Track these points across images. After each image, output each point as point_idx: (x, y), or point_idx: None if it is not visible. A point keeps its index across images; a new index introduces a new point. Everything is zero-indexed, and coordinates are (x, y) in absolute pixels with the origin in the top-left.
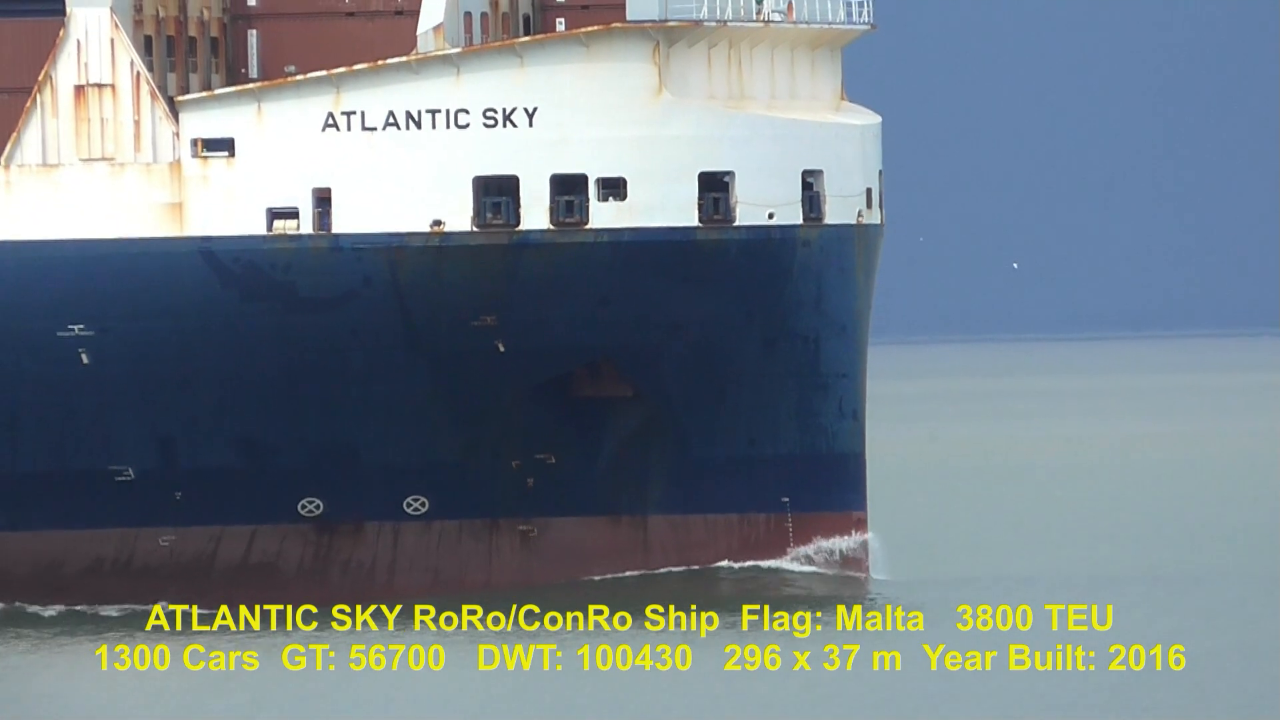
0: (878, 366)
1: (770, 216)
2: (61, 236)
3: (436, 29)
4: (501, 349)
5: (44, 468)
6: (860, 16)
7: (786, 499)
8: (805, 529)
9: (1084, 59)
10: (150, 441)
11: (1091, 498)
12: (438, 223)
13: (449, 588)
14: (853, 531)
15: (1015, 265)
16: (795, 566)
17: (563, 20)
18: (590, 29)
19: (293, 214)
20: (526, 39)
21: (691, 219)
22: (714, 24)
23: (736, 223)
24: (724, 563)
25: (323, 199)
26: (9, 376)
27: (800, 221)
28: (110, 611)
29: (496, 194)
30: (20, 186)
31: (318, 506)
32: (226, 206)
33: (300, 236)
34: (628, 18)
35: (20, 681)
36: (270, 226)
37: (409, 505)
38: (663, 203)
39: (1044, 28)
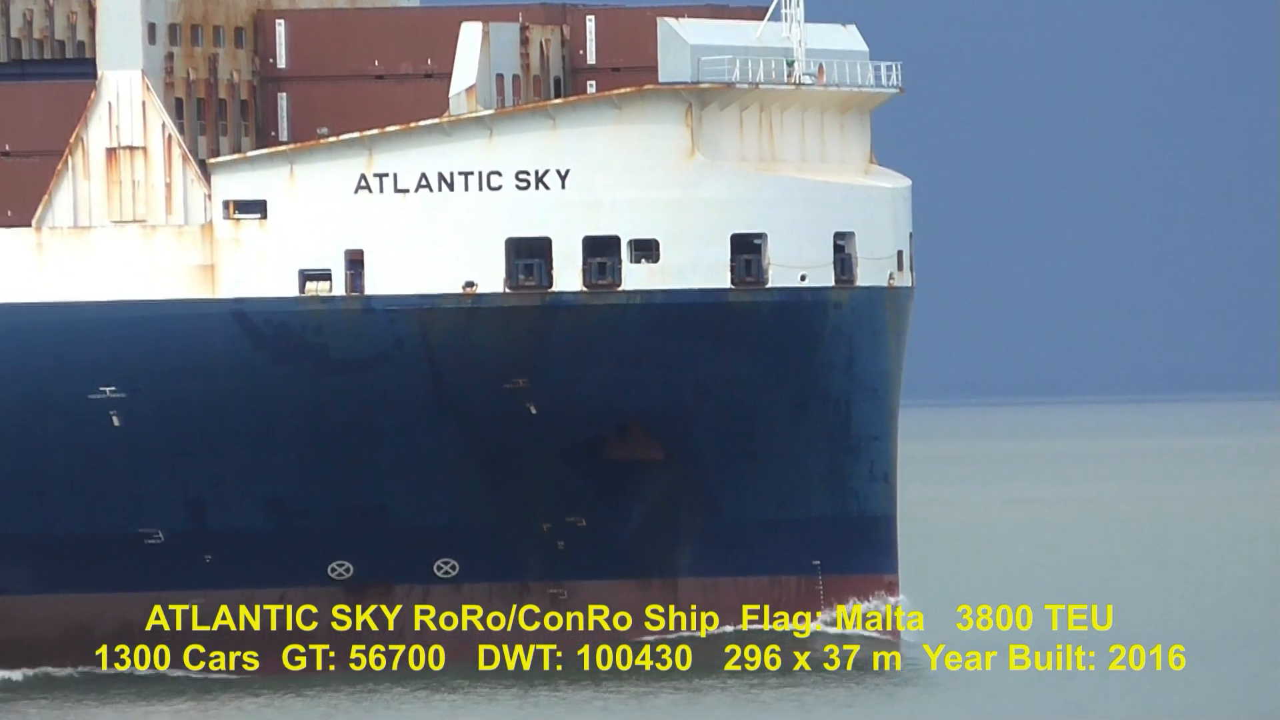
0: (908, 429)
1: (802, 279)
2: (93, 298)
3: (469, 91)
4: (533, 411)
5: (73, 530)
6: (889, 80)
7: (817, 561)
8: (836, 591)
9: (1111, 123)
10: (180, 504)
11: (1124, 560)
12: (470, 284)
13: (476, 652)
14: (884, 594)
15: None
16: (826, 629)
17: (593, 83)
18: (623, 91)
19: (325, 276)
20: (559, 101)
21: (724, 281)
22: (746, 86)
23: (768, 285)
24: (749, 627)
25: (355, 260)
26: (39, 439)
27: (832, 284)
28: (139, 673)
29: (529, 255)
30: (51, 249)
31: (347, 569)
32: (258, 268)
33: (332, 298)
34: (660, 80)
35: None
36: (302, 288)
37: (439, 568)
38: (695, 264)
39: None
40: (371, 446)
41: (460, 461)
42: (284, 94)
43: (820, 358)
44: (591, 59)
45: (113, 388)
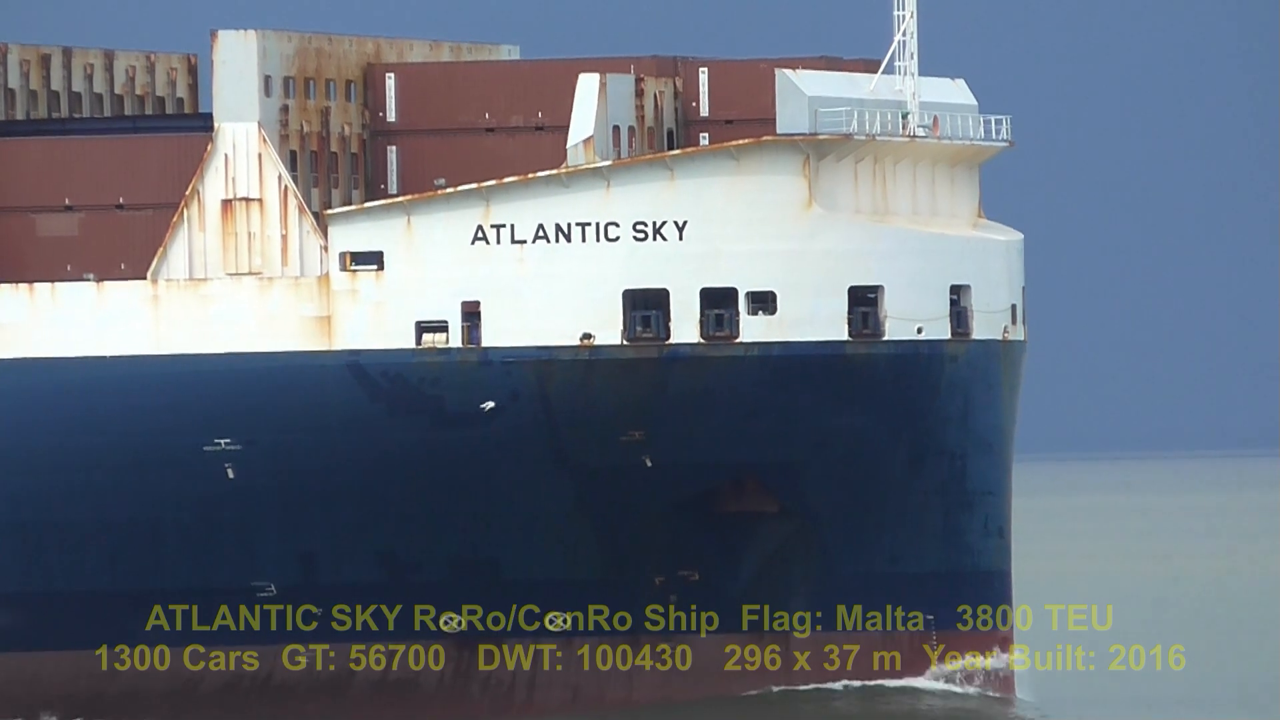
0: (1021, 483)
1: (919, 331)
2: (208, 351)
3: (586, 142)
4: (648, 464)
5: (185, 583)
6: (999, 133)
7: (931, 616)
8: (949, 647)
9: (1223, 175)
10: (292, 557)
11: (1247, 617)
12: (587, 336)
13: (589, 705)
14: (997, 650)
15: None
16: (939, 685)
17: (706, 134)
18: (741, 142)
19: (441, 327)
20: (677, 152)
21: (841, 333)
22: (863, 138)
23: (885, 337)
24: (861, 682)
25: (471, 312)
26: (153, 491)
27: (948, 337)
28: None
29: (646, 307)
30: (167, 301)
31: (459, 623)
32: (375, 320)
33: (449, 350)
34: (778, 131)
35: None
36: (419, 340)
37: (550, 622)
38: (812, 317)
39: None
40: (485, 499)
41: (574, 514)
42: (394, 147)
43: (936, 411)
44: (704, 111)
45: (228, 440)
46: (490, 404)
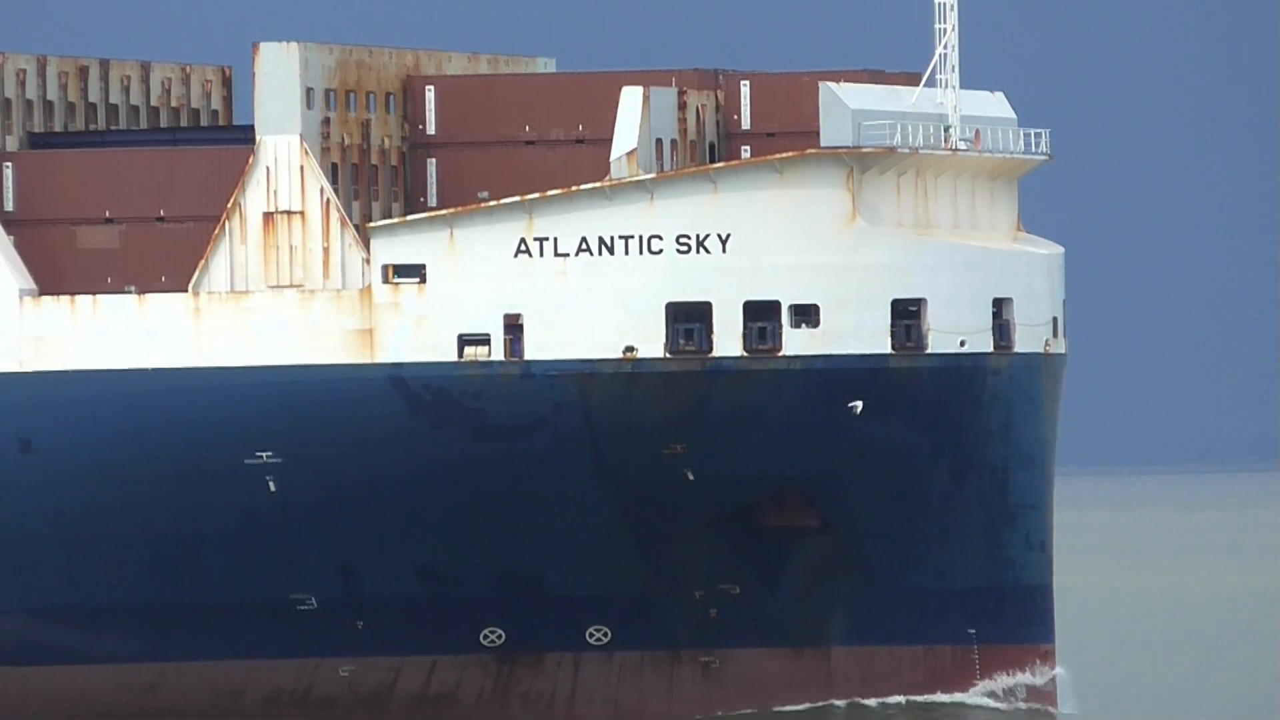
0: (1062, 497)
1: (961, 344)
2: (250, 363)
3: (630, 154)
4: (690, 477)
5: (225, 597)
6: (1038, 147)
7: (973, 631)
8: (992, 662)
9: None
10: (333, 570)
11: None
12: (630, 349)
13: (629, 719)
14: (1041, 665)
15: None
16: (982, 700)
17: (748, 147)
18: (784, 155)
19: (484, 340)
20: (720, 165)
21: (884, 346)
22: (906, 151)
23: (928, 350)
24: (903, 698)
25: (514, 325)
26: (195, 505)
27: (991, 350)
28: None
29: (689, 320)
30: (209, 313)
31: (499, 636)
32: (417, 333)
33: (491, 363)
34: (822, 144)
35: None
36: (461, 353)
37: (591, 635)
38: (855, 330)
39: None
40: (527, 513)
41: (615, 528)
42: (433, 159)
43: (978, 425)
44: (746, 124)
45: (269, 453)
46: (859, 405)
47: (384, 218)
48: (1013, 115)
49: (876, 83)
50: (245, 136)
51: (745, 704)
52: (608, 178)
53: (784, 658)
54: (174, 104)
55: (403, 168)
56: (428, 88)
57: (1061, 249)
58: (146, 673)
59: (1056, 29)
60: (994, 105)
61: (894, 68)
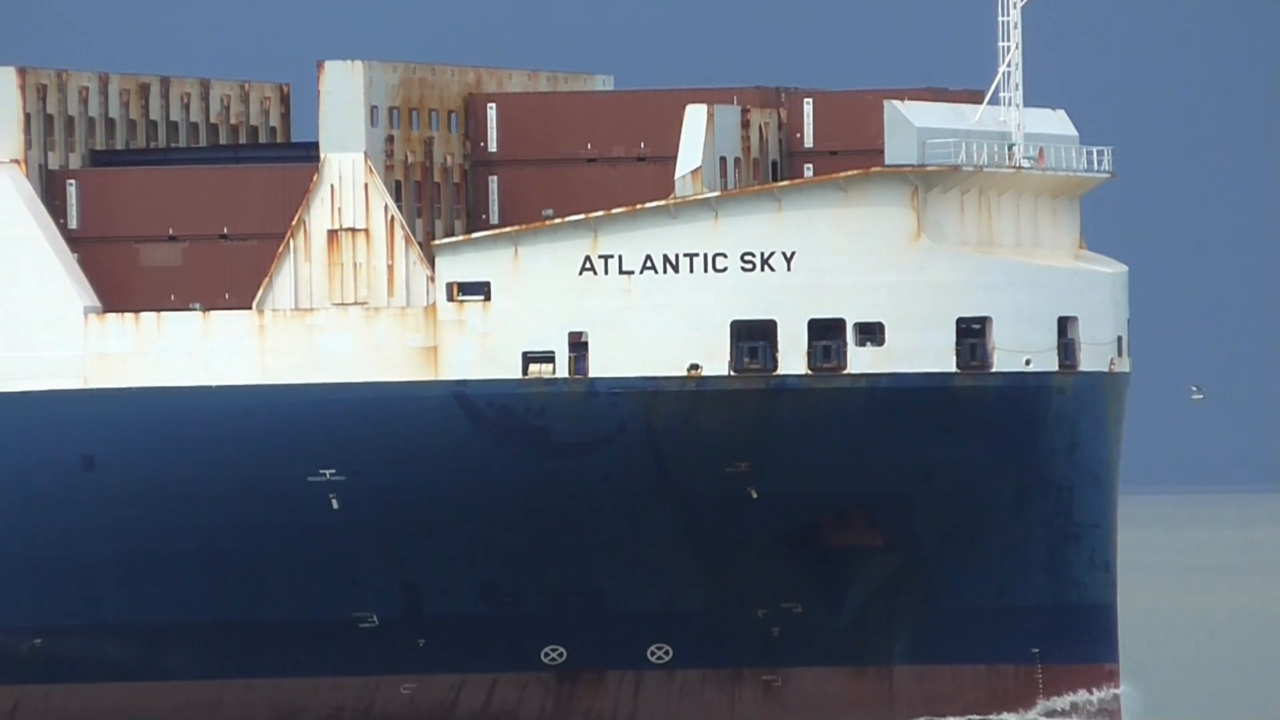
0: (1125, 516)
1: (1027, 363)
2: (314, 381)
3: (694, 173)
4: (754, 495)
5: (287, 615)
6: (1100, 165)
7: (1036, 650)
8: (1056, 681)
9: None
10: (395, 588)
11: None
12: (695, 367)
13: None
14: (1105, 684)
15: (1195, 392)
16: (1046, 719)
17: (810, 165)
18: (849, 173)
19: (548, 358)
20: (785, 183)
21: (949, 365)
22: (971, 169)
23: (993, 369)
24: (966, 718)
25: (578, 343)
26: (257, 522)
27: (1056, 369)
28: None
29: (753, 338)
30: (273, 331)
31: (561, 654)
32: (481, 350)
33: (556, 381)
34: (886, 162)
35: None
36: (525, 370)
37: (652, 654)
38: (920, 348)
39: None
40: (590, 531)
41: (678, 546)
42: (494, 177)
43: (1043, 444)
44: (809, 142)
45: (332, 470)
46: (1198, 394)
47: (446, 235)
48: (1075, 133)
49: (939, 100)
50: (308, 154)
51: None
52: (672, 196)
53: (846, 677)
54: (233, 121)
55: (464, 185)
56: (489, 105)
57: (1125, 267)
58: (208, 690)
59: (1118, 46)
60: (1056, 123)
61: (955, 85)
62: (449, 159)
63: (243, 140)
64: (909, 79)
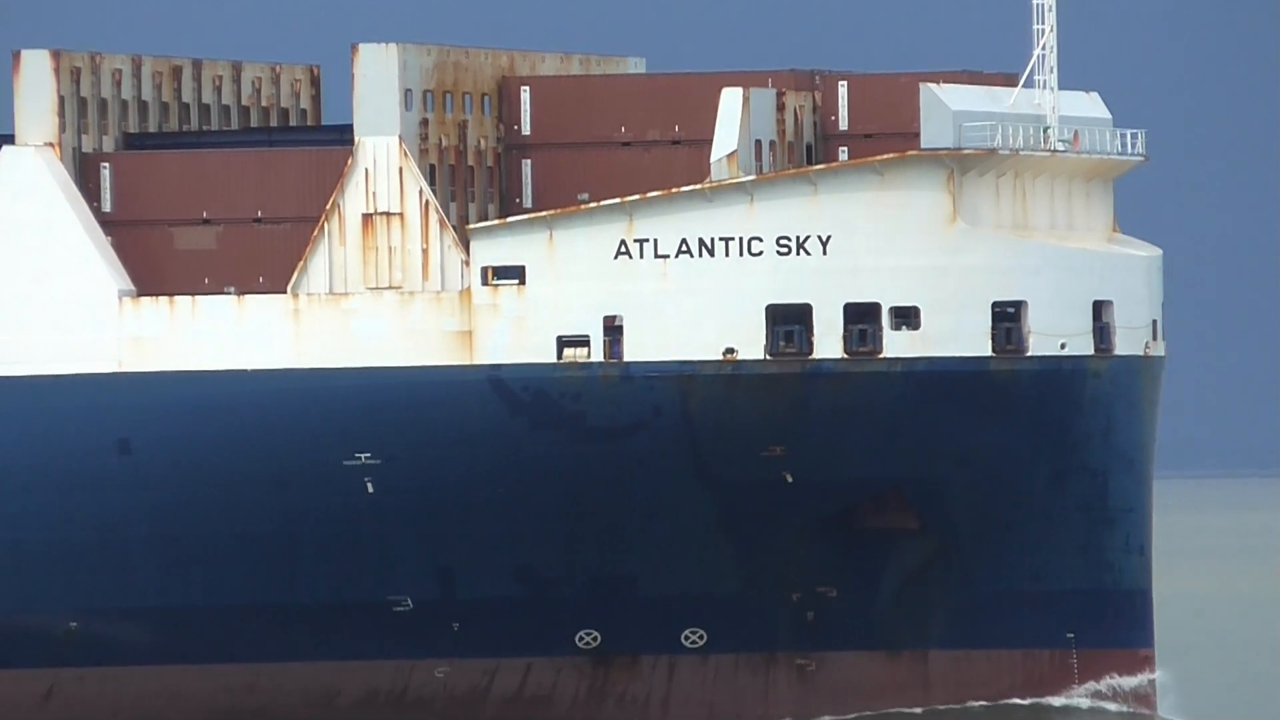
0: (1159, 500)
1: (1062, 347)
2: (349, 365)
3: (730, 156)
4: (789, 479)
5: (321, 598)
6: (1134, 148)
7: (1071, 634)
8: (1091, 666)
9: None
10: (430, 572)
11: None
12: (730, 351)
13: None
14: (1140, 669)
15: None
16: (1081, 704)
17: (845, 148)
18: (885, 157)
19: (583, 342)
20: (820, 166)
21: (985, 349)
22: (1007, 153)
23: (1029, 353)
24: (998, 701)
25: (614, 327)
26: (293, 506)
27: (1091, 353)
28: None
29: (789, 322)
30: (308, 315)
31: (595, 638)
32: (516, 334)
33: (591, 365)
34: (922, 145)
35: None
36: (560, 355)
37: (686, 638)
38: (956, 332)
39: None
40: (625, 514)
41: (713, 530)
42: (528, 160)
43: (1079, 428)
44: (843, 125)
45: (368, 454)
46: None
47: (480, 219)
48: (1108, 115)
49: (974, 84)
50: (341, 137)
51: (841, 707)
52: (708, 179)
53: (881, 661)
54: (264, 104)
55: (498, 168)
56: (523, 88)
57: (1160, 251)
58: (242, 673)
59: (1150, 28)
60: (1089, 105)
61: (989, 68)
62: (482, 142)
63: (273, 122)
64: (943, 62)
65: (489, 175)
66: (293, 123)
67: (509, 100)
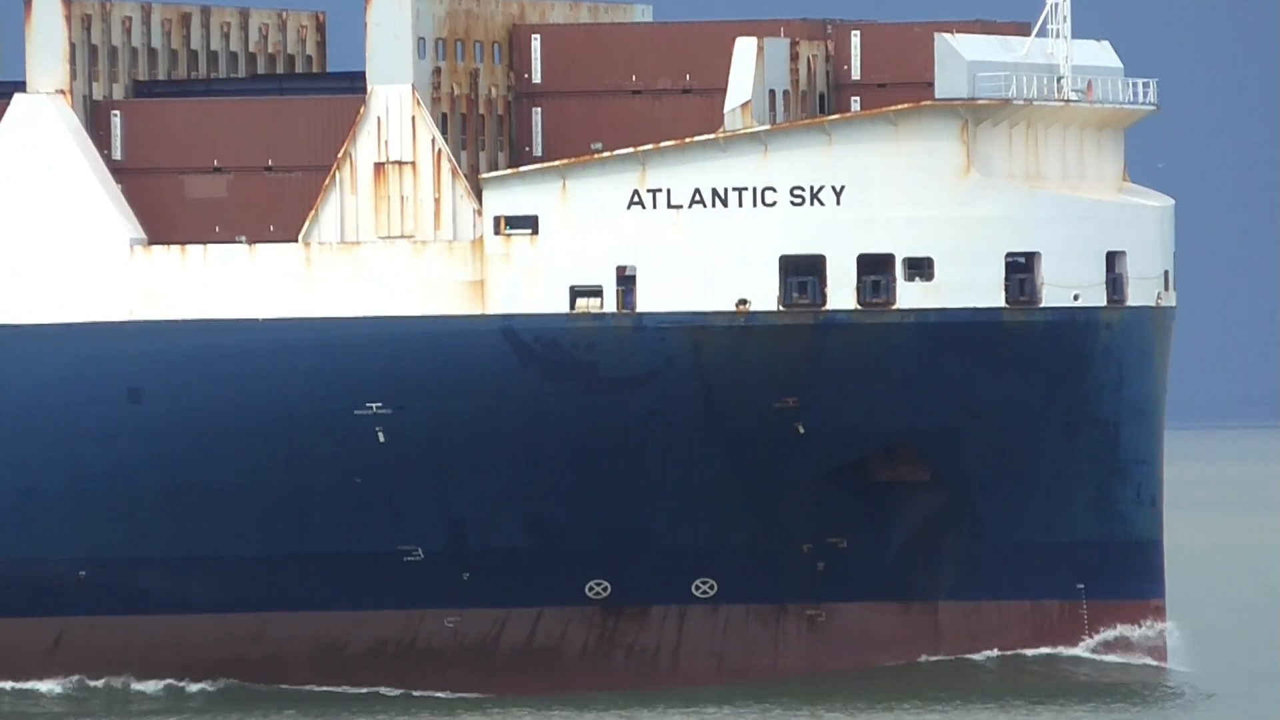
0: (1169, 451)
1: (1075, 298)
2: (360, 314)
3: (744, 106)
4: (801, 431)
5: (332, 548)
6: (1145, 97)
7: (1082, 585)
8: (1101, 616)
9: None
10: (441, 522)
11: None
12: (743, 302)
13: (734, 674)
14: (1151, 619)
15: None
16: (1090, 655)
17: (858, 98)
18: (900, 107)
19: (596, 292)
20: (835, 117)
21: (998, 300)
22: (1021, 103)
23: (1042, 304)
24: (1007, 651)
25: (626, 277)
26: (303, 456)
27: (1104, 304)
28: (390, 693)
29: (802, 273)
30: (319, 264)
31: (605, 589)
32: (529, 284)
33: (603, 315)
34: (936, 95)
35: None
36: (573, 305)
37: (697, 588)
38: (969, 283)
39: None
40: (636, 465)
41: (724, 481)
42: (538, 109)
43: (1091, 379)
44: (856, 74)
45: (379, 404)
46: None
47: (490, 168)
48: (1119, 65)
49: (987, 33)
50: (351, 85)
51: (851, 658)
52: (721, 129)
53: (891, 612)
54: (270, 50)
55: (508, 117)
56: (533, 37)
57: (1172, 201)
58: (251, 623)
59: None
60: (1101, 54)
61: (1001, 17)
62: (493, 91)
63: (279, 69)
64: (954, 10)
65: (499, 124)
66: (298, 69)
67: (519, 49)
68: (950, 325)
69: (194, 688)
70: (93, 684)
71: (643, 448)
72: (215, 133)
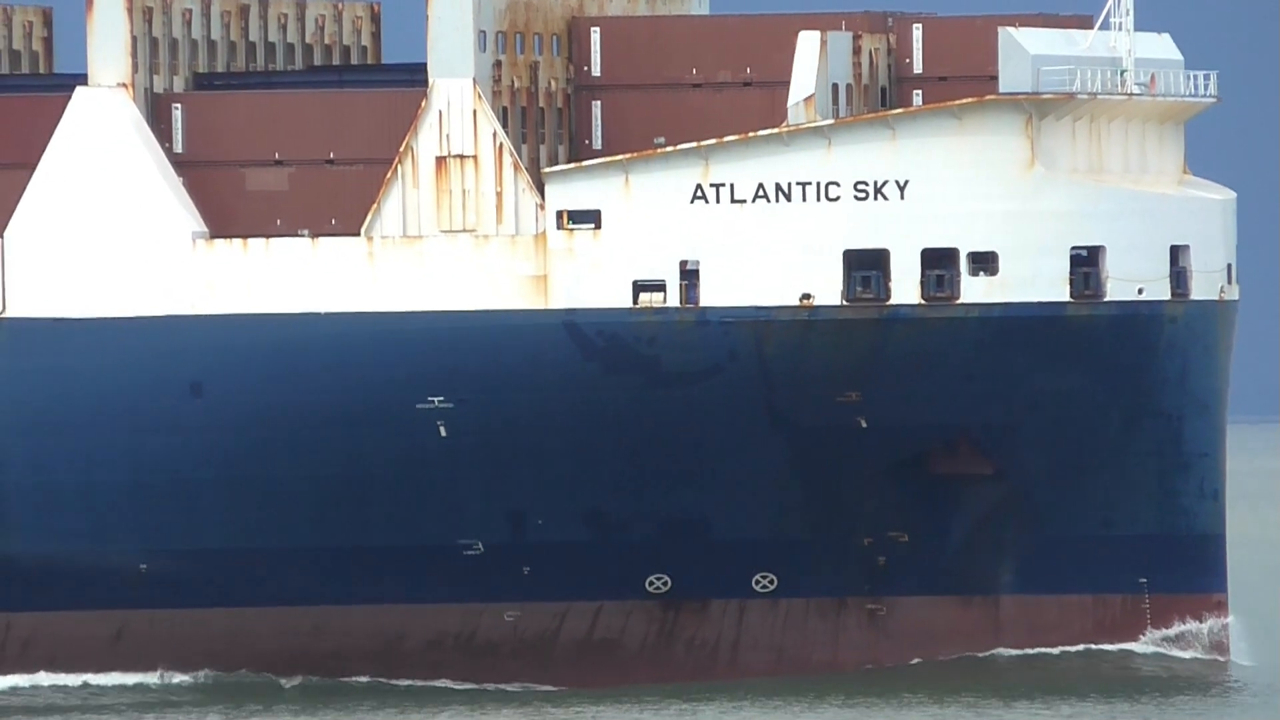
0: (1231, 445)
1: (1140, 292)
2: (423, 308)
3: (807, 100)
4: (863, 425)
5: (392, 541)
6: (1206, 89)
7: (1144, 580)
8: (1163, 611)
9: None
10: (501, 515)
11: None
12: (806, 296)
13: (793, 668)
14: (1213, 614)
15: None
16: (1153, 649)
17: (919, 92)
18: (964, 101)
19: (659, 286)
20: (899, 111)
21: (1062, 294)
22: (1085, 97)
23: (1106, 298)
24: (1068, 646)
25: (689, 271)
26: (364, 449)
27: (1168, 297)
28: (452, 687)
29: (866, 267)
30: (382, 258)
31: (665, 583)
32: (591, 279)
33: (666, 309)
34: (1000, 89)
35: None
36: (636, 299)
37: (757, 582)
38: (1033, 277)
39: None
40: (698, 459)
41: (786, 475)
42: (598, 102)
43: (1154, 373)
44: (918, 68)
45: (440, 398)
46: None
47: (549, 161)
48: (1179, 57)
49: (1050, 26)
50: (412, 78)
51: (911, 652)
52: (785, 123)
53: (951, 606)
54: (327, 41)
55: (568, 110)
56: (593, 29)
57: (1234, 194)
58: (311, 616)
59: None
60: (1161, 47)
61: (1064, 10)
62: (553, 84)
63: (335, 60)
64: (1016, 3)
65: (558, 117)
66: (354, 60)
67: (579, 41)
68: (1014, 319)
69: (251, 680)
70: (152, 678)
71: (704, 442)
72: (276, 125)
